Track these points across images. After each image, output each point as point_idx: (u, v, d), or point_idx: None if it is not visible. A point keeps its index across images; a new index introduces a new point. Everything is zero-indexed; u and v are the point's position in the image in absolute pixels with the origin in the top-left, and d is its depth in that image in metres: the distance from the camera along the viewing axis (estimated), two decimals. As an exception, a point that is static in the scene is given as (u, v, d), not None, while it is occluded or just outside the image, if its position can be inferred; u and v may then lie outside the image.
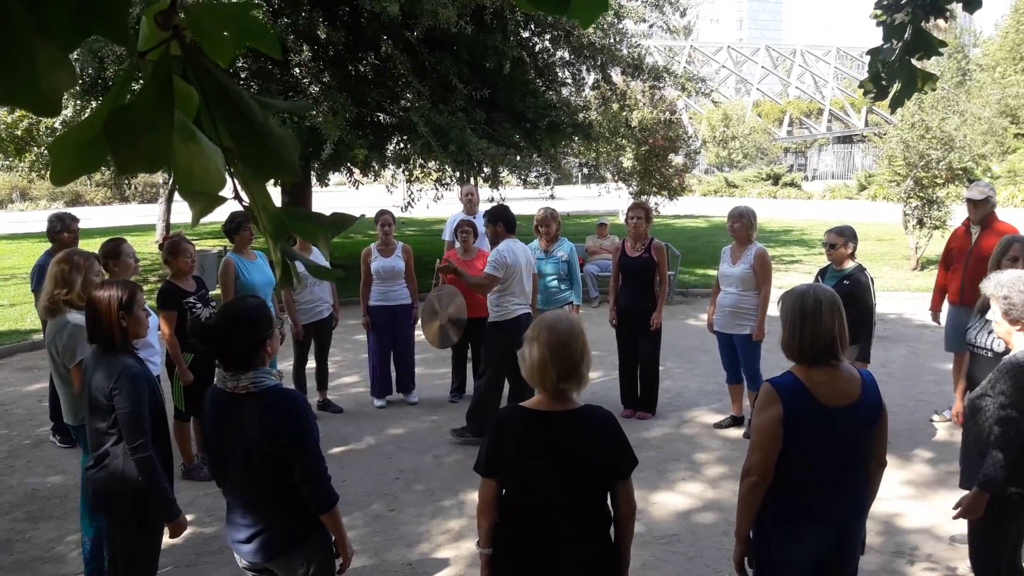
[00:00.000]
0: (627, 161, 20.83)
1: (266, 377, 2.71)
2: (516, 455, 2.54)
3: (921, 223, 13.94)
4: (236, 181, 0.78)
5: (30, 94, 0.64)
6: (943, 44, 3.12)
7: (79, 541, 4.62)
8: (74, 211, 7.44)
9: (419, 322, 6.89)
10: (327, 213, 0.86)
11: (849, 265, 5.66)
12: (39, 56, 0.63)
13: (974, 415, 3.30)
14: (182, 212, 24.13)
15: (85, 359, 3.43)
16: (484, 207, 9.06)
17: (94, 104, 11.15)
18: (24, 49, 0.62)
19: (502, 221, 6.07)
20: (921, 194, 13.83)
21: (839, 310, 2.68)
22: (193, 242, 5.75)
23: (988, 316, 3.36)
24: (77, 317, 3.81)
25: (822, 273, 5.88)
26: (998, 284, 3.21)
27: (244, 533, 2.77)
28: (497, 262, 5.89)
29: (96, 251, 4.54)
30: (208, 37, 0.75)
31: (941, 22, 3.33)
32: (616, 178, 21.79)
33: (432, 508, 5.07)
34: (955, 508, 3.27)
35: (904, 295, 11.82)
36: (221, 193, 0.77)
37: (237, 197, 0.80)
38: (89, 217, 25.99)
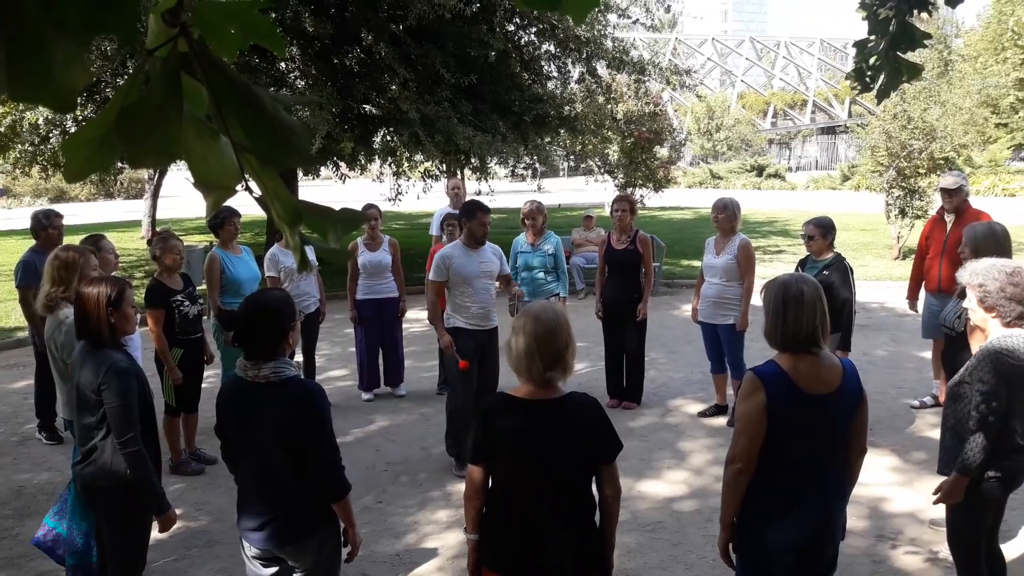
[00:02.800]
0: (613, 154, 20.88)
1: (287, 367, 2.77)
2: (503, 442, 2.58)
3: (903, 213, 14.07)
4: (246, 172, 0.80)
5: (47, 91, 0.66)
6: (928, 36, 3.16)
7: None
8: (58, 207, 7.42)
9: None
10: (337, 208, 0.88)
11: (828, 255, 5.74)
12: (55, 53, 0.65)
13: (953, 401, 3.36)
14: (168, 208, 24.01)
15: (74, 354, 3.45)
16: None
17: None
18: (41, 46, 0.64)
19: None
20: (903, 184, 13.96)
21: (821, 299, 2.73)
22: (181, 238, 5.74)
23: (964, 304, 3.42)
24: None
25: (802, 264, 5.95)
26: (973, 272, 3.26)
27: (256, 521, 2.81)
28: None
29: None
30: (214, 34, 0.78)
31: (925, 14, 3.38)
32: (602, 170, 21.85)
33: (420, 499, 5.11)
34: (935, 493, 3.34)
35: (886, 284, 11.93)
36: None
37: (248, 188, 0.82)
38: (74, 213, 25.77)
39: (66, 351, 3.88)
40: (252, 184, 0.81)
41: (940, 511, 3.68)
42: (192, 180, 0.80)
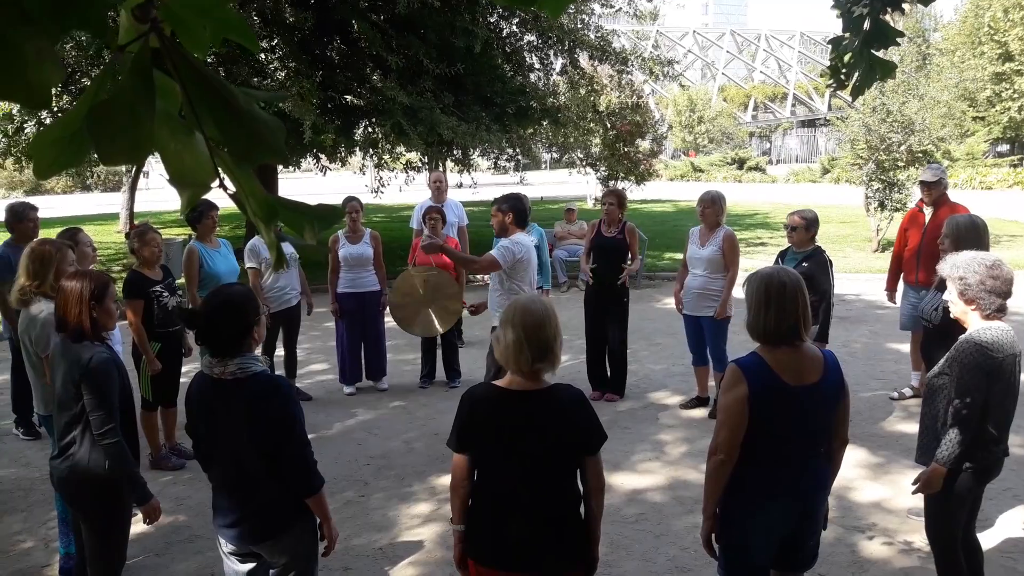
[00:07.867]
0: (595, 146, 20.90)
1: (253, 363, 2.72)
2: (489, 433, 2.58)
3: (882, 205, 14.19)
4: (220, 169, 0.78)
5: (21, 88, 0.64)
6: (901, 35, 3.18)
7: (45, 535, 4.59)
8: (34, 200, 7.30)
9: (388, 305, 6.83)
10: (313, 204, 0.87)
11: (808, 247, 5.77)
12: (27, 49, 0.64)
13: (932, 394, 3.39)
14: (145, 200, 23.77)
15: (52, 349, 3.41)
16: (452, 194, 9.08)
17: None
18: (12, 44, 0.63)
19: (512, 211, 5.39)
20: (882, 177, 14.07)
21: (803, 292, 2.75)
22: (159, 230, 5.68)
23: (945, 296, 3.45)
24: (50, 307, 3.79)
25: (782, 255, 5.98)
26: (954, 265, 3.29)
27: (230, 518, 2.79)
28: (505, 250, 5.23)
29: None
30: (185, 30, 0.76)
31: (905, 7, 3.40)
32: (584, 163, 21.87)
33: (402, 493, 5.10)
34: (914, 484, 3.37)
35: (866, 276, 12.04)
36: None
37: (222, 185, 0.81)
38: (50, 206, 25.43)
39: (40, 345, 3.84)
40: (227, 181, 0.80)
41: (918, 501, 3.72)
42: (167, 177, 0.78)
